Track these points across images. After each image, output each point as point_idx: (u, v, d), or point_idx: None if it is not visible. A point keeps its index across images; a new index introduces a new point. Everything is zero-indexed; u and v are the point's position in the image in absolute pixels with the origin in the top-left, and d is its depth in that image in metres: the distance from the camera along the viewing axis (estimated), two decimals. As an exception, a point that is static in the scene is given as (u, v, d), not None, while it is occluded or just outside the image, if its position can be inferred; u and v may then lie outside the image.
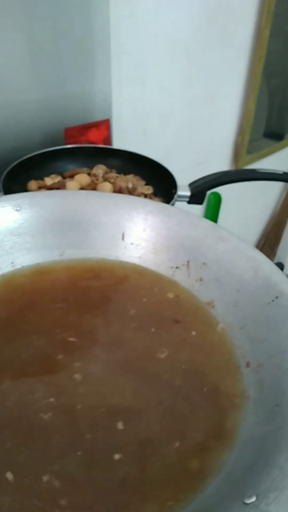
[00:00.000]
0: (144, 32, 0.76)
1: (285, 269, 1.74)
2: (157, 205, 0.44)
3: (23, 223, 0.40)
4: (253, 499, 0.21)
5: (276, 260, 1.65)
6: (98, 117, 0.70)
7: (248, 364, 0.33)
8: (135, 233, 0.43)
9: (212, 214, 1.19)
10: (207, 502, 0.24)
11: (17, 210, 0.40)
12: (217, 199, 1.18)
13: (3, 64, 0.59)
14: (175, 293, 0.40)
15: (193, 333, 0.37)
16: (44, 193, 0.45)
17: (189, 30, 0.85)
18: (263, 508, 0.21)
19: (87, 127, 0.67)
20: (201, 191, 0.57)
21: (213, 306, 0.38)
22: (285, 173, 0.59)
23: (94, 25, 0.65)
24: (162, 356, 0.34)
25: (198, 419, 0.30)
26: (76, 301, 0.39)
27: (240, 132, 1.15)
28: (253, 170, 0.60)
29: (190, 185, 0.58)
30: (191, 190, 0.58)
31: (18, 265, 0.40)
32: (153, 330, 0.37)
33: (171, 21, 0.80)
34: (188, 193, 0.58)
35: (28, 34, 0.59)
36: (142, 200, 0.45)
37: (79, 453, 0.27)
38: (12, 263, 0.39)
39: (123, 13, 0.70)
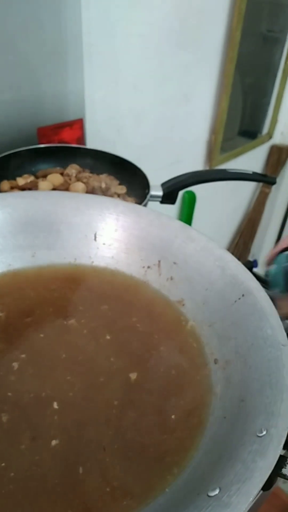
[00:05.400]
0: (116, 32, 0.76)
1: (259, 266, 1.77)
2: (128, 206, 0.45)
3: (-6, 224, 0.40)
4: (217, 491, 0.22)
5: (250, 257, 1.68)
6: (71, 116, 0.70)
7: (216, 361, 0.34)
8: (107, 234, 0.44)
9: (187, 213, 1.21)
10: (174, 496, 0.25)
11: (-13, 212, 0.40)
12: (192, 197, 1.19)
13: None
14: (146, 293, 0.41)
15: (163, 331, 0.37)
16: (15, 194, 0.45)
17: (162, 31, 0.86)
18: (225, 500, 0.22)
19: (60, 127, 0.67)
20: (173, 191, 0.58)
21: (183, 305, 0.39)
22: (254, 173, 0.61)
23: (65, 25, 0.65)
24: (125, 357, 0.35)
25: (165, 415, 0.31)
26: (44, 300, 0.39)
27: (213, 131, 1.17)
28: (224, 170, 0.61)
29: (163, 185, 0.59)
30: (164, 190, 0.58)
31: (-11, 267, 0.40)
32: (121, 327, 0.37)
33: (143, 22, 0.81)
34: (160, 193, 0.58)
35: (-1, 33, 0.59)
36: (113, 200, 0.46)
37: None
38: (-17, 265, 0.39)
39: (94, 13, 0.70)
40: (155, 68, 0.89)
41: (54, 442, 0.28)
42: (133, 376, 0.32)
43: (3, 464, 0.26)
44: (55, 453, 0.27)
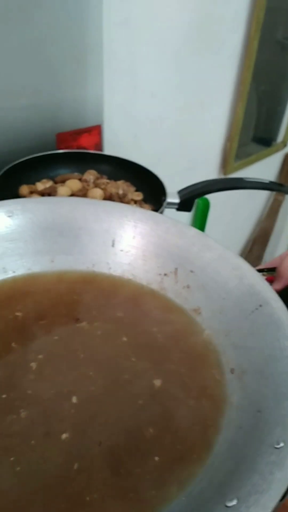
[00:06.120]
0: (136, 40, 0.77)
1: (271, 274, 1.76)
2: (146, 213, 0.45)
3: (15, 229, 0.41)
4: (234, 502, 0.23)
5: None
6: (89, 122, 0.71)
7: (232, 371, 0.34)
8: (125, 240, 0.44)
9: (201, 219, 1.21)
10: (191, 505, 0.25)
11: (9, 216, 0.40)
12: (206, 204, 1.19)
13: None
14: (162, 302, 0.41)
15: (179, 339, 0.38)
16: (36, 199, 0.46)
17: (180, 38, 0.87)
18: (243, 511, 0.22)
19: (78, 133, 0.68)
20: (189, 199, 0.59)
21: (199, 313, 0.40)
22: (271, 182, 0.61)
23: (87, 32, 0.66)
24: (144, 359, 0.35)
25: (180, 422, 0.31)
26: (62, 305, 0.40)
27: (229, 138, 1.17)
28: (241, 179, 0.61)
29: (179, 192, 0.60)
30: (180, 197, 0.59)
31: (9, 271, 0.40)
32: (137, 332, 0.38)
33: (162, 29, 0.81)
34: (177, 200, 0.59)
35: (22, 39, 0.60)
36: (131, 207, 0.46)
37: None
38: (4, 268, 0.40)
39: (116, 20, 0.71)
40: (172, 75, 0.90)
41: (64, 436, 0.28)
42: (157, 383, 0.33)
43: (12, 459, 0.27)
44: (63, 447, 0.28)
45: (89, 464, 0.27)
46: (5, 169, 0.57)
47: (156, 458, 0.28)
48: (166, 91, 0.90)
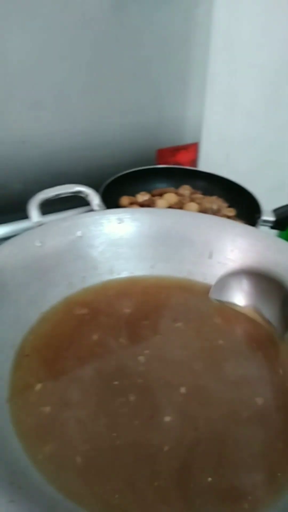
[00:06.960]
0: (238, 62, 0.79)
1: None
2: (245, 228, 0.46)
3: (123, 235, 0.44)
4: None
5: None
6: (187, 140, 0.74)
7: None
8: (223, 253, 0.46)
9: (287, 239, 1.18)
10: None
11: (119, 223, 0.44)
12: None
13: (107, 88, 0.64)
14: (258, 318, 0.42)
15: (274, 359, 0.38)
16: (143, 209, 0.49)
17: (280, 61, 0.87)
18: None
19: (177, 149, 0.71)
20: (285, 218, 0.59)
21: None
22: None
23: (193, 54, 0.69)
24: (243, 368, 0.36)
25: (273, 442, 0.31)
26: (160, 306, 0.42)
27: None
28: None
29: (275, 210, 0.60)
30: (276, 215, 0.59)
31: (115, 273, 0.44)
32: (233, 341, 0.39)
33: (264, 51, 0.83)
34: (272, 218, 0.59)
35: (132, 60, 0.64)
36: (231, 222, 0.48)
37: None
38: (111, 270, 0.43)
39: (221, 44, 0.73)
40: (270, 96, 0.90)
41: (167, 419, 0.30)
42: (259, 401, 0.33)
43: (114, 434, 0.29)
44: (164, 428, 0.30)
45: (175, 449, 0.29)
46: (109, 180, 0.62)
47: (209, 479, 0.28)
48: (262, 112, 0.91)
